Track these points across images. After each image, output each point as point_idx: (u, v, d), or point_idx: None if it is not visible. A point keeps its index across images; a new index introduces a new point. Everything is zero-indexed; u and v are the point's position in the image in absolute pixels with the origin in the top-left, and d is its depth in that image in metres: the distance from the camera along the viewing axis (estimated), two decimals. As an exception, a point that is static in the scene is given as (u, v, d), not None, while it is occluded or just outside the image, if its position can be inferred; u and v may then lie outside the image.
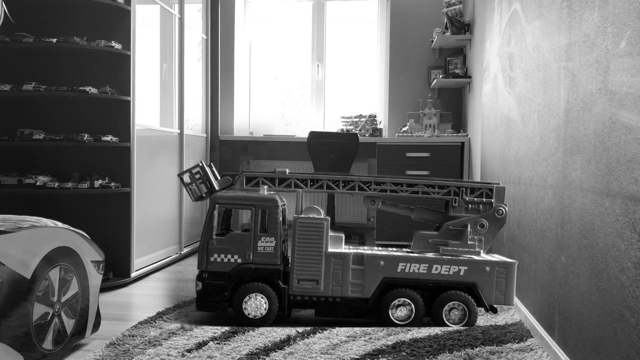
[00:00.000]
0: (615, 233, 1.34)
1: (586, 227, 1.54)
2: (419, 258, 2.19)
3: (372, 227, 4.44)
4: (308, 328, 2.07)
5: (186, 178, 2.38)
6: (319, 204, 4.48)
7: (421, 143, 3.92)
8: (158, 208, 3.32)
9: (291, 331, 2.03)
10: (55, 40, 2.74)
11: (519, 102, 2.37)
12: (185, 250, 3.71)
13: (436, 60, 4.45)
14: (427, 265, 2.18)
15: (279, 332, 2.02)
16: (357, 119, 4.48)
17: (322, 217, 2.21)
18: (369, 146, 4.29)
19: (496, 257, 2.27)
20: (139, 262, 3.02)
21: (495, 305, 2.20)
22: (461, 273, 2.17)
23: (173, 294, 2.71)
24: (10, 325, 1.53)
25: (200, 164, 2.37)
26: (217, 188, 2.35)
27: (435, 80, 4.19)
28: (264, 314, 2.15)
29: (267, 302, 2.15)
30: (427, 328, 2.09)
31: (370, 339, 1.96)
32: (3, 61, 2.88)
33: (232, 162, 4.66)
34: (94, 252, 1.96)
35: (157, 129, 3.35)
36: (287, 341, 1.92)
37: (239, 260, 2.18)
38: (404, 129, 4.17)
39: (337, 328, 2.08)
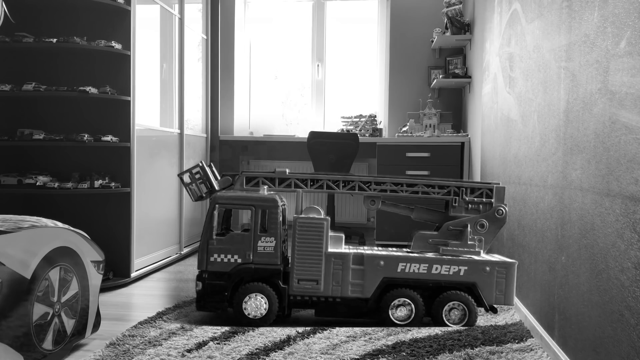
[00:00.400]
0: (615, 233, 1.34)
1: (586, 227, 1.54)
2: (419, 258, 2.19)
3: (372, 227, 4.44)
4: (308, 328, 2.07)
5: (186, 178, 2.38)
6: (319, 204, 4.48)
7: (421, 143, 3.92)
8: (158, 208, 3.32)
9: (291, 331, 2.03)
10: (55, 40, 2.74)
11: (519, 102, 2.37)
12: (185, 250, 3.71)
13: (436, 60, 4.45)
14: (427, 265, 2.18)
15: (279, 332, 2.02)
16: (357, 119, 4.48)
17: (322, 217, 2.21)
18: (369, 146, 4.29)
19: (496, 257, 2.27)
20: (139, 262, 3.02)
21: (495, 305, 2.20)
22: (461, 273, 2.17)
23: (173, 294, 2.71)
24: (10, 325, 1.53)
25: (200, 164, 2.37)
26: (217, 188, 2.35)
27: (435, 80, 4.19)
28: (264, 314, 2.15)
29: (267, 302, 2.15)
30: (427, 328, 2.09)
31: (370, 339, 1.96)
32: (3, 61, 2.88)
33: (232, 162, 4.66)
34: (94, 252, 1.96)
35: (157, 129, 3.35)
36: (287, 341, 1.92)
37: (239, 260, 2.18)
38: (404, 129, 4.17)
39: (337, 328, 2.08)
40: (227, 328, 2.06)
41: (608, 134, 1.39)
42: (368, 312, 2.19)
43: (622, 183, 1.31)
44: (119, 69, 2.88)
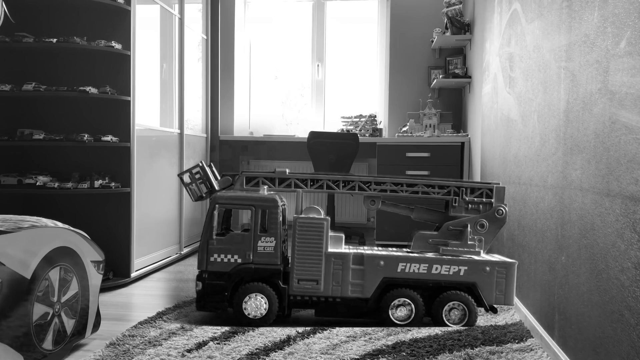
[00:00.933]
0: (615, 233, 1.34)
1: (586, 227, 1.54)
2: (419, 258, 2.19)
3: (372, 227, 4.44)
4: (308, 328, 2.07)
5: (186, 178, 2.38)
6: (319, 204, 4.48)
7: (421, 143, 3.92)
8: (158, 208, 3.32)
9: (291, 331, 2.03)
10: (55, 40, 2.74)
11: (519, 102, 2.37)
12: (185, 250, 3.71)
13: (436, 60, 4.45)
14: (427, 265, 2.18)
15: (279, 332, 2.02)
16: (357, 119, 4.48)
17: (322, 217, 2.20)
18: (369, 146, 4.29)
19: (496, 257, 2.27)
20: (139, 262, 3.02)
21: (495, 305, 2.20)
22: (461, 273, 2.17)
23: (173, 294, 2.71)
24: (10, 325, 1.53)
25: (200, 164, 2.37)
26: (217, 188, 2.35)
27: (435, 80, 4.19)
28: (264, 314, 2.15)
29: (267, 302, 2.15)
30: (427, 328, 2.09)
31: (370, 339, 1.96)
32: (3, 61, 2.88)
33: (232, 162, 4.66)
34: (94, 252, 1.96)
35: (157, 129, 3.35)
36: (287, 341, 1.92)
37: (239, 260, 2.18)
38: (404, 129, 4.17)
39: (337, 328, 2.08)
40: (227, 328, 2.06)
41: (608, 134, 1.39)
42: (368, 312, 2.19)
43: (622, 183, 1.31)
44: (119, 69, 2.88)
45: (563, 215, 1.75)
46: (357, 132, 4.30)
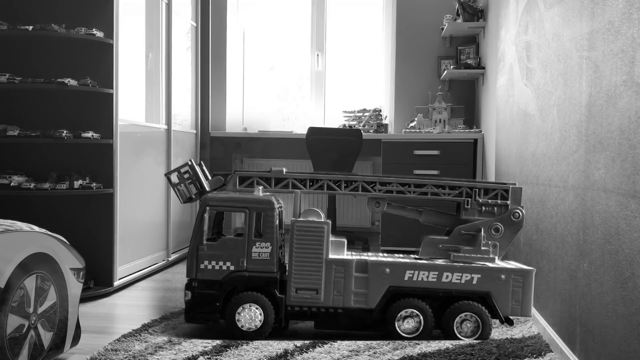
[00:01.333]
0: (642, 238, 1.35)
1: (610, 232, 1.55)
2: (427, 265, 2.19)
3: (377, 232, 4.44)
4: (307, 341, 2.07)
5: (174, 178, 2.38)
6: (319, 206, 4.49)
7: (430, 140, 3.92)
8: (143, 211, 3.32)
9: (289, 345, 2.03)
10: (31, 27, 2.74)
11: (537, 95, 2.37)
12: (173, 257, 3.72)
13: (447, 49, 4.45)
14: (436, 273, 2.18)
15: (276, 346, 2.02)
16: (361, 114, 4.49)
17: (323, 220, 2.21)
18: (374, 143, 4.29)
19: (512, 264, 2.28)
20: (122, 270, 3.03)
21: (511, 317, 2.21)
22: (474, 282, 2.18)
23: (160, 305, 2.71)
24: (-18, 339, 1.53)
25: (190, 163, 2.37)
26: (207, 189, 2.35)
27: (445, 72, 4.20)
28: (258, 326, 2.15)
29: (262, 313, 2.15)
30: (437, 342, 2.09)
31: (375, 353, 1.96)
32: (-26, 50, 2.89)
33: (224, 161, 4.66)
34: (74, 258, 1.96)
35: (142, 125, 3.35)
36: (285, 356, 1.92)
37: (232, 268, 2.18)
38: (412, 124, 4.18)
39: (339, 341, 2.09)
40: (218, 341, 2.07)
41: (634, 130, 1.39)
42: (372, 324, 2.19)
43: (649, 183, 1.31)
44: (100, 59, 2.88)
45: (585, 218, 1.75)
46: (360, 127, 4.31)
